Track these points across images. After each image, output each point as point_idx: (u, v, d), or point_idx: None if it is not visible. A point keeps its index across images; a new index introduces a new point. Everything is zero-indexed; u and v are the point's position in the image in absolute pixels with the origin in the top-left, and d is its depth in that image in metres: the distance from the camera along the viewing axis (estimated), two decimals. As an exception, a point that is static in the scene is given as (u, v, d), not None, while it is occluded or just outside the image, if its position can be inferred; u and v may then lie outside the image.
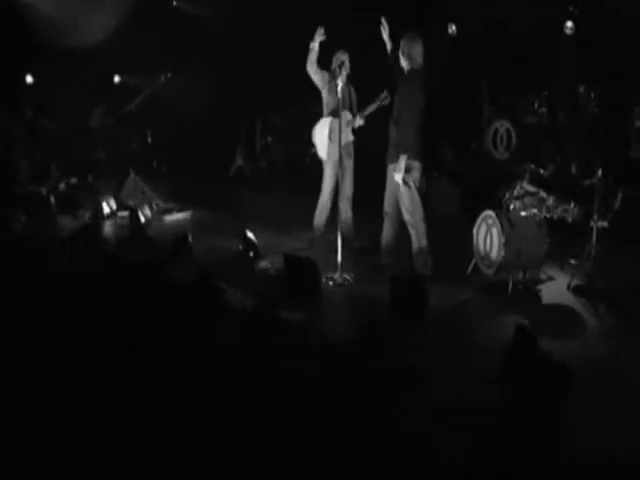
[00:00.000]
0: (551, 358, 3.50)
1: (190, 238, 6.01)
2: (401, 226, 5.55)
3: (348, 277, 5.37)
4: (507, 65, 7.83)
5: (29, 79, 10.74)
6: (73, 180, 9.73)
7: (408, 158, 5.26)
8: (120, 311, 4.54)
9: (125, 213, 8.24)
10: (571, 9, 7.06)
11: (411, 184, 5.32)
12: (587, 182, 5.32)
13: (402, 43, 5.40)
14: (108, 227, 7.99)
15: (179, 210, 8.49)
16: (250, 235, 6.03)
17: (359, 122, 5.97)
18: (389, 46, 5.54)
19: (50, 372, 3.81)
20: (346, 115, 5.92)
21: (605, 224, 5.21)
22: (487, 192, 7.25)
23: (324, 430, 3.05)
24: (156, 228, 7.65)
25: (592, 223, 5.21)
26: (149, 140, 9.88)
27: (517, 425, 3.21)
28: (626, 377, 3.80)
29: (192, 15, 10.88)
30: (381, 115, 5.87)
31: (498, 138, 8.29)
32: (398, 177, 5.29)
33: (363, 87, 6.10)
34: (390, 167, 5.46)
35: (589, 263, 5.18)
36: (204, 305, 4.46)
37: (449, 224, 7.21)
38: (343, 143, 5.67)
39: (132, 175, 8.88)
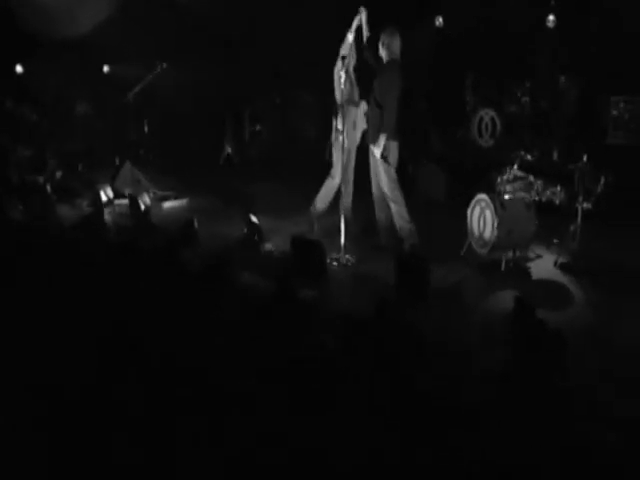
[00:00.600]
0: (547, 325, 3.88)
1: (196, 224, 6.27)
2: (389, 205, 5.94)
3: (350, 258, 5.70)
4: (492, 56, 8.20)
5: (19, 69, 10.78)
6: (61, 170, 9.88)
7: (387, 138, 5.71)
8: (137, 297, 4.75)
9: (122, 201, 8.45)
10: (553, 3, 7.43)
11: (390, 161, 5.78)
12: (572, 167, 5.70)
13: (382, 36, 5.87)
14: (107, 215, 8.18)
15: (176, 197, 8.72)
16: (254, 219, 6.31)
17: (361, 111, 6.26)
18: (366, 35, 5.93)
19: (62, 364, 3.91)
20: (363, 105, 6.20)
21: (589, 206, 5.62)
22: (473, 177, 7.66)
23: (348, 396, 3.37)
24: (155, 215, 7.87)
25: (577, 205, 5.62)
26: (146, 129, 10.04)
27: (521, 383, 3.57)
28: (611, 342, 4.21)
29: (181, 5, 11.01)
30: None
31: (483, 126, 8.66)
32: (377, 153, 5.78)
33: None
34: (371, 147, 5.89)
35: (574, 242, 5.60)
36: (222, 287, 4.73)
37: (438, 208, 7.60)
38: (360, 131, 6.03)
39: (128, 164, 9.05)
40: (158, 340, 4.07)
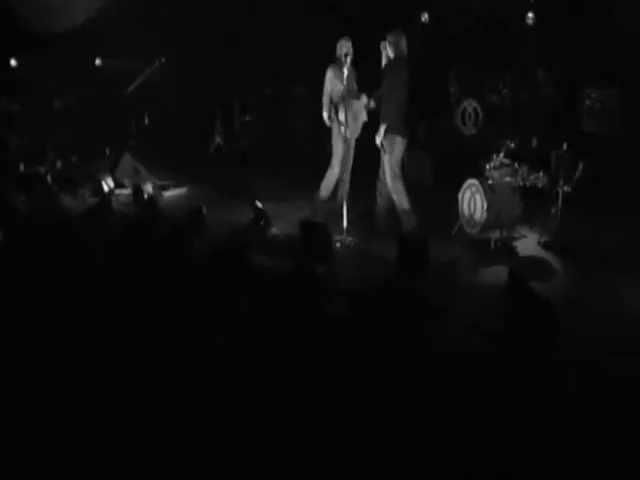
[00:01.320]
0: (538, 295, 4.41)
1: (205, 210, 6.67)
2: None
3: (352, 239, 6.19)
4: (474, 50, 8.73)
5: (13, 62, 10.99)
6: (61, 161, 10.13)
7: (390, 131, 6.18)
8: (159, 282, 5.12)
9: (123, 191, 8.80)
10: (532, 1, 7.98)
11: (394, 152, 6.25)
12: (552, 154, 6.26)
13: (390, 36, 6.31)
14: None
15: (175, 186, 9.08)
16: (259, 205, 6.74)
17: (372, 105, 6.67)
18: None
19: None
20: (364, 99, 6.64)
21: (569, 190, 6.18)
22: (457, 163, 8.20)
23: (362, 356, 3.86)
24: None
25: (558, 189, 6.18)
26: (146, 122, 10.37)
27: (516, 344, 4.10)
28: (587, 309, 4.77)
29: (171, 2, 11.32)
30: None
31: (466, 116, 9.19)
32: (377, 140, 6.25)
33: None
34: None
35: (555, 222, 6.16)
36: (239, 270, 5.16)
37: (426, 191, 8.11)
38: (361, 123, 6.45)
39: (127, 155, 9.37)
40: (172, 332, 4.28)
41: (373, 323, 4.06)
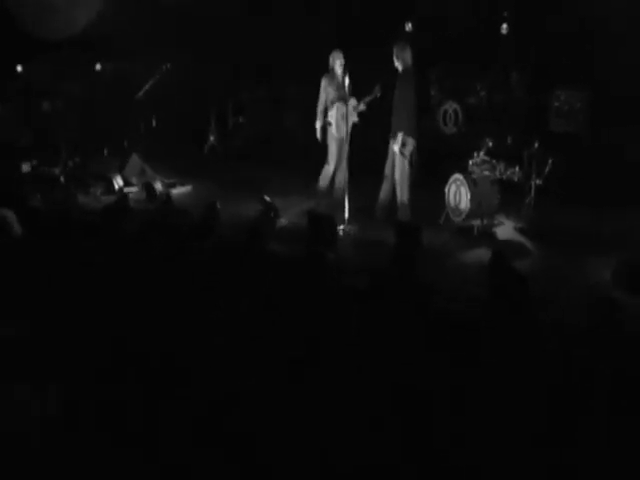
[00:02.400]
0: (517, 271, 5.28)
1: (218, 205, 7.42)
2: (394, 187, 7.26)
3: (353, 228, 7.04)
4: (454, 56, 9.64)
5: (19, 69, 11.59)
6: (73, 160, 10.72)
7: (404, 135, 6.99)
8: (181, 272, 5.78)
9: (131, 189, 9.48)
10: (505, 14, 8.93)
11: (406, 154, 7.08)
12: (526, 151, 7.17)
13: (396, 50, 7.10)
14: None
15: (181, 185, 9.79)
16: (267, 198, 7.52)
17: (362, 108, 7.53)
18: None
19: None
20: (352, 102, 7.45)
21: (540, 182, 7.10)
22: (440, 160, 9.06)
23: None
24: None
25: (531, 182, 7.09)
26: (154, 124, 11.05)
27: (499, 311, 4.96)
28: (557, 282, 5.66)
29: (167, 6, 11.98)
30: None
31: (447, 117, 10.08)
32: (395, 148, 7.05)
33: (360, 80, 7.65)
34: (391, 142, 7.17)
35: (529, 211, 7.08)
36: (259, 252, 5.95)
37: (412, 187, 8.94)
38: (351, 124, 7.29)
39: (135, 156, 10.04)
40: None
41: (379, 296, 4.89)
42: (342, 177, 7.68)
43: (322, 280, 5.26)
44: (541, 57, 9.05)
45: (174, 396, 3.72)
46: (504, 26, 8.89)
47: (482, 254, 6.07)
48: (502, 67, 9.50)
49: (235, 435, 3.38)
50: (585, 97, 9.21)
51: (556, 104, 9.52)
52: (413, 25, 9.41)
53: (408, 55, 7.04)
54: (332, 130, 7.34)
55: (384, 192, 7.34)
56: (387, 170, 7.31)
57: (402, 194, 7.19)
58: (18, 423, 3.62)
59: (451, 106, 9.96)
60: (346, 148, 7.59)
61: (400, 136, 6.99)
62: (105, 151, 11.36)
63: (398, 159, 7.13)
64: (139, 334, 4.45)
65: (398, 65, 7.07)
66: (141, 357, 4.13)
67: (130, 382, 3.86)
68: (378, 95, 7.33)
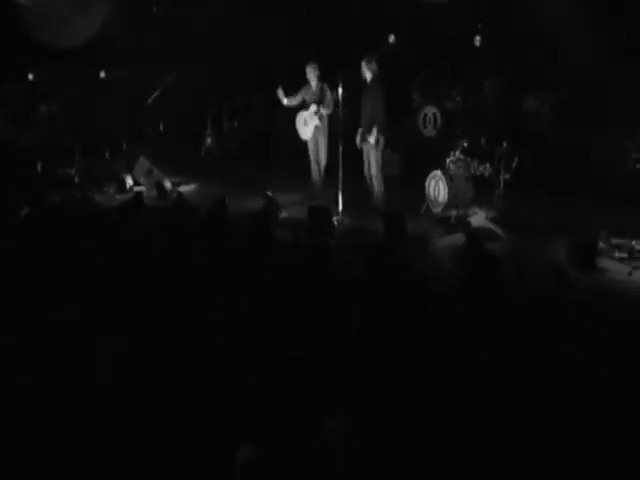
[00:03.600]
0: (488, 252, 6.29)
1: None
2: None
3: (346, 217, 8.06)
4: (433, 64, 10.71)
5: (30, 77, 12.40)
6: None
7: (378, 131, 8.07)
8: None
9: (140, 188, 10.37)
10: (479, 26, 10.03)
11: (379, 148, 8.16)
12: (496, 150, 8.23)
13: (365, 63, 8.26)
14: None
15: (185, 183, 10.70)
16: (270, 194, 8.49)
17: (323, 111, 8.69)
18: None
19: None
20: (312, 108, 8.70)
21: (508, 177, 8.16)
22: (420, 160, 10.09)
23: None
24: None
25: (500, 177, 8.15)
26: (161, 128, 11.97)
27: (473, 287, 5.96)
28: (524, 262, 6.68)
29: (170, 18, 12.88)
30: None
31: (427, 120, 11.11)
32: (372, 140, 8.12)
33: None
34: (367, 136, 8.21)
35: (499, 202, 8.13)
36: (269, 239, 6.90)
37: (395, 181, 9.96)
38: (312, 126, 8.51)
39: (142, 157, 10.93)
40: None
41: (373, 273, 5.88)
42: (318, 173, 8.90)
43: (325, 262, 6.22)
44: (511, 64, 10.14)
45: (174, 396, 3.81)
46: (477, 38, 9.99)
47: (458, 239, 7.10)
48: (476, 75, 10.56)
49: (235, 435, 3.40)
50: (551, 100, 10.28)
51: (525, 107, 10.59)
52: (396, 37, 10.42)
53: (375, 66, 8.22)
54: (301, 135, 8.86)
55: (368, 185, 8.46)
56: (366, 165, 8.41)
57: (378, 185, 8.31)
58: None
59: (430, 110, 11.00)
60: (320, 148, 8.83)
61: (375, 129, 8.08)
62: (107, 154, 12.22)
63: (373, 153, 8.21)
64: (141, 333, 4.66)
65: (367, 75, 8.22)
66: (142, 357, 4.27)
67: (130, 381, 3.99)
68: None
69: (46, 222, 7.57)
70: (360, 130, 8.32)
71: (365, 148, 8.33)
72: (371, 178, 8.38)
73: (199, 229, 7.37)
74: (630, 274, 6.28)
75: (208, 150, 13.29)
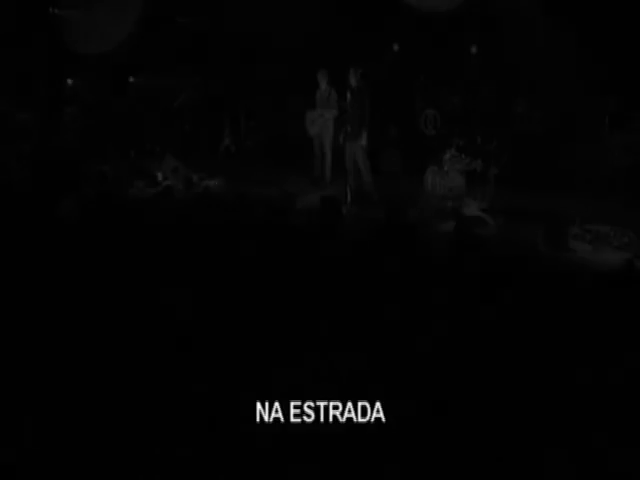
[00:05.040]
0: (478, 238, 7.35)
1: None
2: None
3: (354, 207, 9.16)
4: (434, 70, 11.84)
5: (69, 81, 13.58)
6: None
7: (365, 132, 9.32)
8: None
9: (168, 182, 11.48)
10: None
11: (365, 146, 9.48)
12: (487, 148, 9.32)
13: (353, 71, 9.45)
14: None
15: (210, 178, 11.80)
16: (286, 189, 9.58)
17: (329, 115, 9.99)
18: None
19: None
20: (320, 110, 10.00)
21: (497, 172, 9.25)
22: (420, 156, 11.15)
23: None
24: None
25: (490, 172, 9.24)
26: (187, 128, 13.11)
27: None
28: (512, 245, 7.75)
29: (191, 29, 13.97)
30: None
31: (428, 120, 12.20)
32: (363, 141, 9.35)
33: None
34: (358, 139, 9.48)
35: (489, 194, 9.22)
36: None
37: (397, 176, 11.05)
38: (319, 126, 9.81)
39: (169, 155, 12.05)
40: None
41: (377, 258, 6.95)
42: (320, 166, 10.10)
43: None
44: (506, 69, 11.21)
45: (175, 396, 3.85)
46: (473, 48, 11.14)
47: (451, 226, 8.17)
48: (473, 80, 11.65)
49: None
50: (539, 104, 11.35)
51: (518, 109, 11.65)
52: (399, 45, 11.56)
53: (360, 75, 9.41)
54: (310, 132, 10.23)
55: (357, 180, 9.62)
56: (348, 165, 9.63)
57: (367, 176, 9.51)
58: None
59: (430, 112, 12.11)
60: (325, 143, 10.15)
61: (365, 132, 9.34)
62: (132, 152, 13.38)
63: (360, 155, 9.45)
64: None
65: (353, 82, 9.40)
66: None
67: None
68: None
69: (86, 212, 8.63)
70: (346, 130, 9.62)
71: (351, 146, 9.57)
72: (358, 171, 9.56)
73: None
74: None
75: (226, 149, 14.39)
